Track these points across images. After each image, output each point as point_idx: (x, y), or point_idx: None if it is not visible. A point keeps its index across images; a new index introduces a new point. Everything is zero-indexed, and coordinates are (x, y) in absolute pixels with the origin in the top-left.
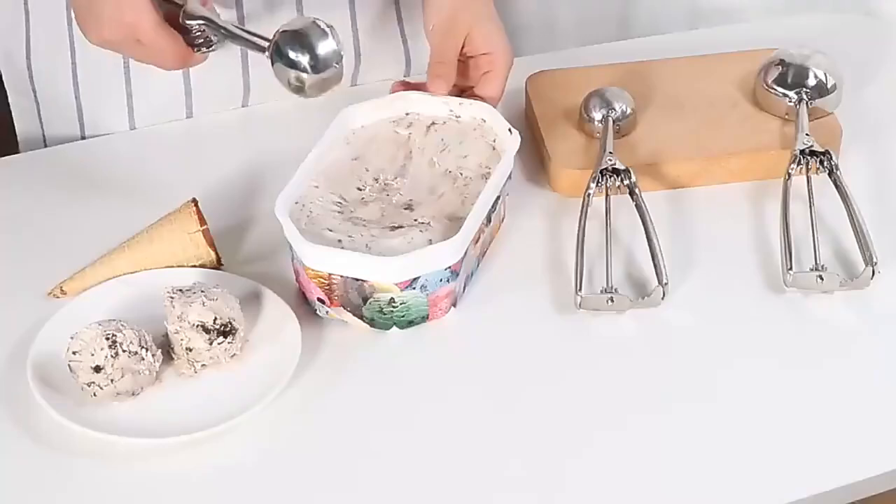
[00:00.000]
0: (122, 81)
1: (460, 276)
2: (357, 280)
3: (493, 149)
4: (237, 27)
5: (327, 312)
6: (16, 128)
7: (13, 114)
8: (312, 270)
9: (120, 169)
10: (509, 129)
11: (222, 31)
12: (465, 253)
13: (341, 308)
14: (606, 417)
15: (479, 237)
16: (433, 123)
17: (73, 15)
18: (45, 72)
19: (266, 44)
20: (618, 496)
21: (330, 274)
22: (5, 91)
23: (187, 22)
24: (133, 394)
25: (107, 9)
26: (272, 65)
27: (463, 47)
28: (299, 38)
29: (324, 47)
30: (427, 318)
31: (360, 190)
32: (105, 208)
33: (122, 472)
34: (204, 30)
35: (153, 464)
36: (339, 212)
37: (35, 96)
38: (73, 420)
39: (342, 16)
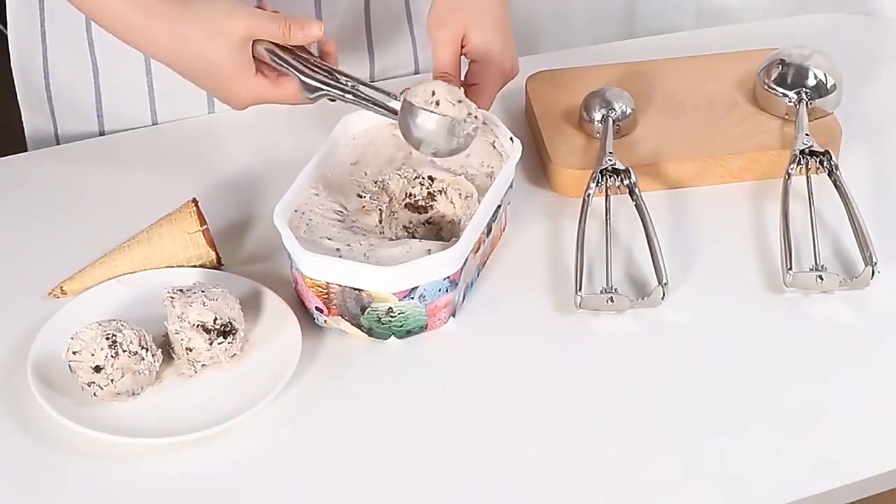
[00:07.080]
0: (147, 100)
1: (459, 286)
2: (355, 289)
3: (493, 147)
4: (358, 91)
5: (325, 321)
6: (26, 135)
7: (25, 128)
8: (310, 279)
9: (120, 170)
10: (511, 138)
11: (345, 96)
12: (465, 263)
13: (339, 317)
14: (606, 417)
15: (478, 247)
16: None
17: (93, 35)
18: (65, 88)
19: (392, 114)
20: (619, 495)
21: (328, 283)
22: (16, 92)
23: (308, 95)
24: (133, 394)
25: (230, 92)
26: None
27: (463, 46)
28: (418, 113)
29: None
30: (425, 327)
31: (361, 197)
32: (105, 208)
33: (122, 472)
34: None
35: (153, 464)
36: (339, 220)
37: (53, 115)
38: (73, 420)
39: (356, 8)
